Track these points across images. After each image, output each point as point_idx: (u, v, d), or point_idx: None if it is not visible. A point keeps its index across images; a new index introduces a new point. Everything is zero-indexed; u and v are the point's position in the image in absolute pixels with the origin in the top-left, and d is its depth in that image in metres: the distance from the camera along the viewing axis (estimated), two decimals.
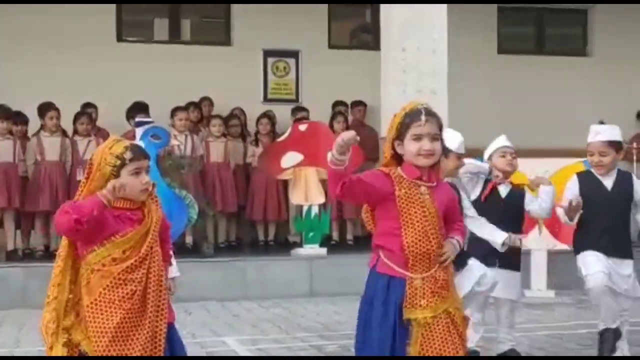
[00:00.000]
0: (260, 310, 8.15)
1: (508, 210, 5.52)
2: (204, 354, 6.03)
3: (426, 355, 3.37)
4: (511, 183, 5.60)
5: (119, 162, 3.44)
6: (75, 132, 9.97)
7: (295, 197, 9.75)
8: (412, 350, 3.37)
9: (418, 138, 3.42)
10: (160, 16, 12.37)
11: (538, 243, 8.68)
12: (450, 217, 3.59)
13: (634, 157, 10.76)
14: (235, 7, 12.12)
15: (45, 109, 9.70)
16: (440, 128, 3.51)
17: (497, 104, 12.09)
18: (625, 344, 5.31)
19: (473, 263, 5.09)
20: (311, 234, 9.62)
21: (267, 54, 12.26)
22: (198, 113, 11.03)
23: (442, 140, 3.50)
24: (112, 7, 11.68)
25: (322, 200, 9.64)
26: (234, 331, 7.07)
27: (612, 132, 5.25)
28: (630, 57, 12.71)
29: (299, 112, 11.16)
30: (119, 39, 11.84)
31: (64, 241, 3.51)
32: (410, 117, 3.45)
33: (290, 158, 9.63)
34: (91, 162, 3.50)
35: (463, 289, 4.75)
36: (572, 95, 12.41)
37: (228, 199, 10.37)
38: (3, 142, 9.34)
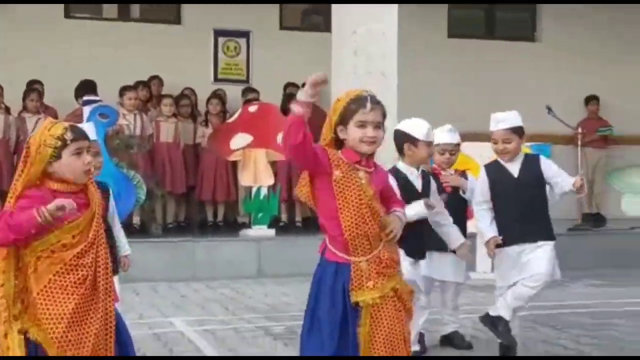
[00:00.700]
0: (208, 291, 8.15)
1: (452, 197, 5.62)
2: (152, 335, 6.01)
3: (375, 335, 3.42)
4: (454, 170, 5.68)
5: (59, 143, 3.38)
6: (25, 108, 9.80)
7: (245, 179, 9.73)
8: (362, 332, 3.42)
9: (362, 125, 3.46)
10: None
11: None
12: (387, 197, 3.63)
13: (579, 143, 10.94)
14: None
15: None
16: (384, 116, 3.55)
17: (446, 87, 12.19)
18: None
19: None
20: (260, 215, 9.62)
21: (218, 33, 12.17)
22: (147, 92, 10.93)
23: (384, 128, 3.55)
24: None
25: (271, 181, 9.64)
26: (181, 312, 7.06)
27: (513, 119, 5.23)
28: (577, 43, 12.90)
29: (250, 93, 11.13)
30: (67, 15, 11.64)
31: None
32: (355, 104, 3.48)
33: (240, 139, 9.60)
34: (28, 146, 3.41)
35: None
36: (520, 80, 12.56)
37: (177, 179, 10.33)
38: None
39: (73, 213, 3.34)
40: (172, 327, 6.41)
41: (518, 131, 5.22)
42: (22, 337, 3.36)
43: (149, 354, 5.42)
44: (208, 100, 10.81)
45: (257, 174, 9.56)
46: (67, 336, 3.31)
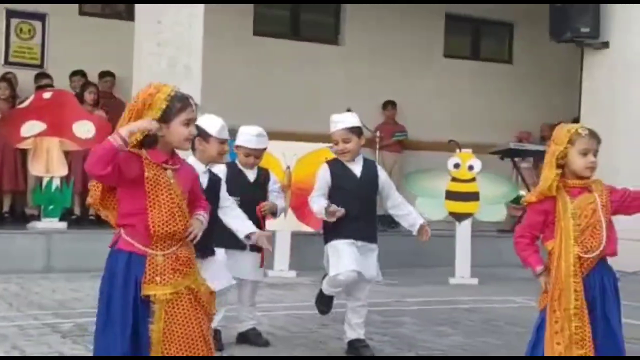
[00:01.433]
0: None
1: (255, 193, 5.59)
2: None
3: (170, 333, 3.37)
4: (259, 167, 5.65)
5: None
6: None
7: (35, 168, 9.24)
8: (156, 328, 3.37)
9: (188, 123, 3.49)
10: None
11: (282, 224, 8.83)
12: (194, 196, 3.65)
13: (377, 145, 11.26)
14: None
15: None
16: None
17: (252, 85, 12.17)
18: (360, 328, 5.48)
19: (219, 253, 5.10)
20: (51, 207, 9.18)
21: (10, 14, 11.51)
22: None
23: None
24: None
25: (64, 172, 9.22)
26: None
27: (352, 119, 5.38)
28: (378, 48, 13.29)
29: (43, 79, 10.61)
30: None
31: None
32: (181, 103, 3.47)
33: (32, 127, 9.11)
34: None
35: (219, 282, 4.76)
36: (322, 82, 12.75)
37: None
38: None
39: None
40: None
41: (356, 131, 5.31)
42: None
43: None
44: None
45: (49, 163, 9.12)
46: None
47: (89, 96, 10.22)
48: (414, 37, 13.60)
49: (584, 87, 11.74)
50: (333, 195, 5.29)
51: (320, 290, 5.42)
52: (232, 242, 5.25)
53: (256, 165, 5.63)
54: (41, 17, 11.64)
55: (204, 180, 5.14)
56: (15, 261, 8.50)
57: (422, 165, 11.09)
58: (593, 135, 3.88)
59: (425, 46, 13.85)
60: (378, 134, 11.30)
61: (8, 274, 8.15)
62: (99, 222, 9.75)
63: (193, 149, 5.16)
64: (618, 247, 3.95)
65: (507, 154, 11.89)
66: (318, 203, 5.27)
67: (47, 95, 9.39)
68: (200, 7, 9.06)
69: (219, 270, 5.07)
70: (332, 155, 5.62)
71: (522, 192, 9.87)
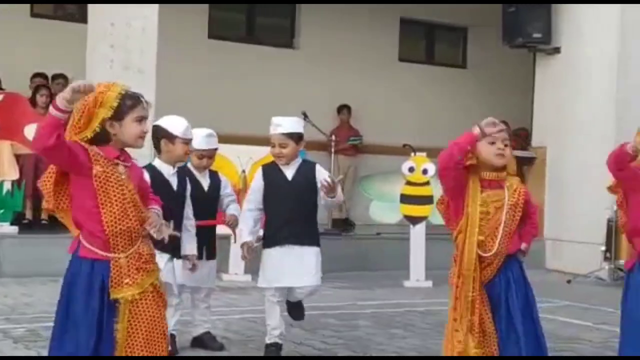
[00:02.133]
0: None
1: (210, 199, 5.59)
2: None
3: (134, 332, 3.38)
4: (210, 170, 5.64)
5: None
6: None
7: None
8: (120, 328, 3.38)
9: (140, 120, 3.49)
10: None
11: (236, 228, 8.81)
12: (145, 194, 3.65)
13: (332, 149, 11.29)
14: None
15: None
16: None
17: (207, 88, 12.11)
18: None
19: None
20: (1, 211, 9.02)
21: None
22: None
23: None
24: None
25: (15, 176, 9.07)
26: None
27: (292, 124, 5.32)
28: (333, 52, 13.33)
29: None
30: None
31: None
32: (132, 100, 3.47)
33: None
34: None
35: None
36: (278, 86, 12.74)
37: None
38: None
39: None
40: None
41: (295, 137, 5.27)
42: None
43: None
44: None
45: (0, 167, 8.96)
46: None
47: (40, 99, 10.08)
48: (369, 41, 13.67)
49: (536, 91, 11.93)
50: (266, 199, 5.28)
51: (287, 301, 5.43)
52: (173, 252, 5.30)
53: (209, 166, 5.62)
54: None
55: (173, 181, 5.15)
56: None
57: (377, 169, 11.16)
58: (497, 124, 3.92)
59: (380, 50, 13.92)
60: (333, 138, 11.33)
61: None
62: (51, 227, 9.64)
63: (159, 150, 5.16)
64: (529, 237, 4.05)
65: None
66: (245, 223, 5.30)
67: None
68: (154, 10, 9.00)
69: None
70: None
71: None
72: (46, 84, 10.56)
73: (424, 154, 9.55)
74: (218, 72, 12.35)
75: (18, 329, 5.98)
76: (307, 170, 5.32)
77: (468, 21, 14.65)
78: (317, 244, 5.32)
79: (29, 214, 10.13)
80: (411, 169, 9.32)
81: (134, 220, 3.43)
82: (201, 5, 12.69)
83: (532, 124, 12.10)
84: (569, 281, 9.50)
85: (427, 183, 9.29)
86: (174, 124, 5.16)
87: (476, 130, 3.88)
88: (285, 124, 5.29)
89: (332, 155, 11.29)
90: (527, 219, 4.05)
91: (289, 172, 5.29)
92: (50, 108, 3.25)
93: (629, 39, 10.77)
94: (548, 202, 11.43)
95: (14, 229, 9.07)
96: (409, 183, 9.34)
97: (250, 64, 12.73)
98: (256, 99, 12.45)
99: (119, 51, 8.81)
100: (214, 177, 5.71)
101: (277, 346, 5.33)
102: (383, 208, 9.35)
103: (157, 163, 5.19)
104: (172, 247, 4.98)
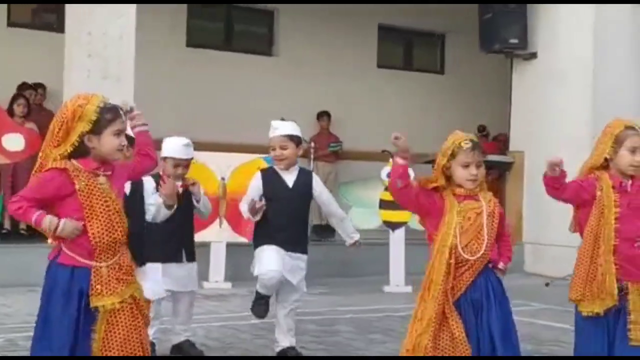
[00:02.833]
0: None
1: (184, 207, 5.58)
2: None
3: (109, 341, 3.40)
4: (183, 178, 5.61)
5: None
6: None
7: None
8: (97, 337, 3.40)
9: (119, 134, 3.51)
10: None
11: (218, 235, 8.82)
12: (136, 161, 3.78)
13: (312, 156, 11.30)
14: None
15: None
16: None
17: (185, 97, 12.12)
18: (291, 336, 5.50)
19: (150, 267, 5.08)
20: None
21: None
22: None
23: None
24: None
25: None
26: None
27: (291, 127, 5.45)
28: (312, 59, 13.37)
29: None
30: None
31: None
32: (111, 114, 3.49)
33: None
34: None
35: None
36: (257, 93, 12.74)
37: None
38: None
39: None
40: None
41: (295, 139, 5.35)
42: None
43: None
44: None
45: None
46: None
47: (18, 108, 10.04)
48: (347, 48, 13.72)
49: (514, 96, 12.01)
50: (265, 205, 5.30)
51: (256, 292, 5.41)
52: (167, 256, 5.33)
53: (184, 175, 5.59)
54: None
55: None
56: None
57: (357, 175, 11.18)
58: (475, 147, 3.92)
59: (359, 57, 13.97)
60: (313, 144, 11.34)
61: None
62: (30, 237, 9.59)
63: None
64: (506, 259, 4.05)
65: None
66: (243, 206, 5.30)
67: None
68: (131, 18, 8.99)
69: (153, 282, 5.06)
70: (265, 166, 5.65)
71: None
72: (23, 94, 10.52)
73: None
74: (197, 80, 12.35)
75: None
76: (305, 179, 5.41)
77: (446, 27, 14.74)
78: (306, 252, 5.42)
79: (7, 224, 10.10)
80: (390, 175, 9.34)
81: (119, 231, 3.48)
82: (179, 13, 12.69)
83: (509, 129, 12.18)
84: (547, 284, 9.57)
85: None
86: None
87: (399, 161, 3.91)
88: (285, 126, 5.41)
89: (312, 161, 11.30)
90: (501, 240, 4.04)
91: (289, 180, 5.35)
92: (36, 219, 3.37)
93: (604, 43, 10.87)
94: (526, 206, 11.51)
95: None
96: (388, 188, 9.37)
97: (229, 71, 12.74)
98: (235, 107, 12.46)
99: (97, 60, 8.78)
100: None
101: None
102: (362, 213, 9.37)
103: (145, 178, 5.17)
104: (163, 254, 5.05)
